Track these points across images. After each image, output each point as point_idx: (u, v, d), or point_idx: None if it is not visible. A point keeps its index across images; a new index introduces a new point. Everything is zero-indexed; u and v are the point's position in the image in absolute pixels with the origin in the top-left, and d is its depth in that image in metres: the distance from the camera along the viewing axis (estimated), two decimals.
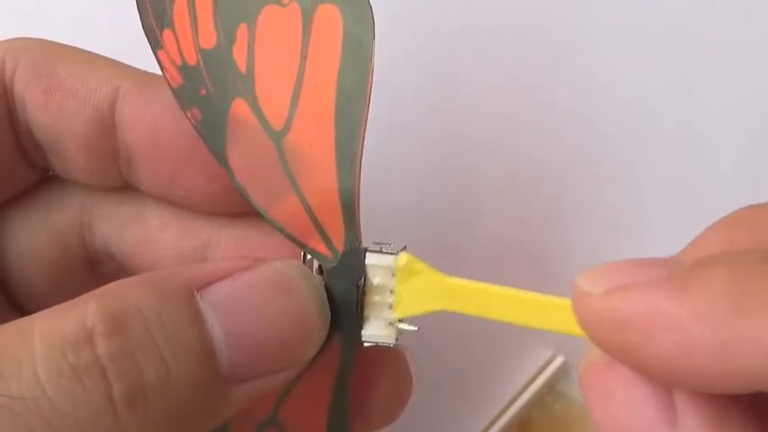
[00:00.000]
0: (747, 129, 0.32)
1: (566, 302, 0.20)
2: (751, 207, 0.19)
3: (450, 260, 0.29)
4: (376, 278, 0.23)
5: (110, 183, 0.25)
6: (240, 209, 0.25)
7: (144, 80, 0.24)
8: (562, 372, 0.33)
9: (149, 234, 0.26)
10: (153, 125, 0.24)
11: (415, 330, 0.24)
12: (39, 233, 0.25)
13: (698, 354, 0.16)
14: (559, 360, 0.33)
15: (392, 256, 0.23)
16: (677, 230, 0.31)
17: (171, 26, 0.23)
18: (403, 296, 0.23)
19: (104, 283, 0.26)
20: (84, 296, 0.20)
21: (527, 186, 0.33)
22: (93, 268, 0.26)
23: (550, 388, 0.33)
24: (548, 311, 0.21)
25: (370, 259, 0.23)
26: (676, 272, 0.17)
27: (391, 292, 0.23)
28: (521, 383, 0.33)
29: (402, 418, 0.30)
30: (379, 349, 0.25)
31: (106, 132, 0.24)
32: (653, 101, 0.32)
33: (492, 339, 0.33)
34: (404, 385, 0.26)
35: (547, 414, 0.33)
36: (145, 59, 0.24)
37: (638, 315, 0.17)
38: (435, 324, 0.25)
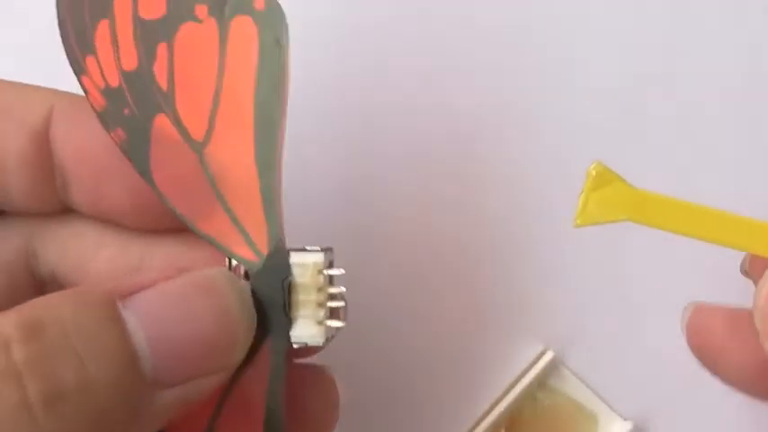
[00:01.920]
0: (740, 118, 0.33)
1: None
2: None
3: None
4: (302, 277, 0.24)
5: (50, 207, 0.26)
6: (167, 225, 0.25)
7: (76, 100, 0.25)
8: (553, 366, 0.33)
9: (87, 253, 0.26)
10: (80, 143, 0.25)
11: (341, 327, 0.24)
12: None
13: None
14: (550, 355, 0.33)
15: (317, 254, 0.24)
16: None
17: (93, 52, 0.24)
18: (588, 204, 0.23)
19: None
20: (5, 311, 0.20)
21: (510, 179, 0.34)
22: (41, 292, 0.26)
23: (541, 383, 0.33)
24: (745, 231, 0.23)
25: (295, 258, 0.24)
26: None
27: (319, 290, 0.24)
28: (511, 378, 0.33)
29: (391, 413, 0.30)
30: (305, 370, 0.26)
31: (43, 152, 0.25)
32: (642, 90, 0.33)
33: (482, 334, 0.33)
34: (330, 410, 0.26)
35: (537, 409, 0.33)
36: None
37: None
38: (424, 318, 0.26)
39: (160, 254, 0.26)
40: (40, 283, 0.26)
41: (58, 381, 0.19)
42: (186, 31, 0.24)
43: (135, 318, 0.21)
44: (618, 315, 0.33)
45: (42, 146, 0.25)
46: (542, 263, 0.33)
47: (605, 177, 0.23)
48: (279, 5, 0.24)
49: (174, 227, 0.25)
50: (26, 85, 0.26)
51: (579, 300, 0.33)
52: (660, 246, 0.32)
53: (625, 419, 0.32)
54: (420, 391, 0.29)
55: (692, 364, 0.28)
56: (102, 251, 0.26)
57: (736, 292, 0.27)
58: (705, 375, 0.29)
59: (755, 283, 0.23)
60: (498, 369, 0.33)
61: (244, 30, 0.24)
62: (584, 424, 0.33)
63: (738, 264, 0.28)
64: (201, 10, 0.24)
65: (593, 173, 0.23)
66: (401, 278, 0.33)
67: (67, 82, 0.25)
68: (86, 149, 0.25)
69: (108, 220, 0.26)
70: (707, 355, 0.29)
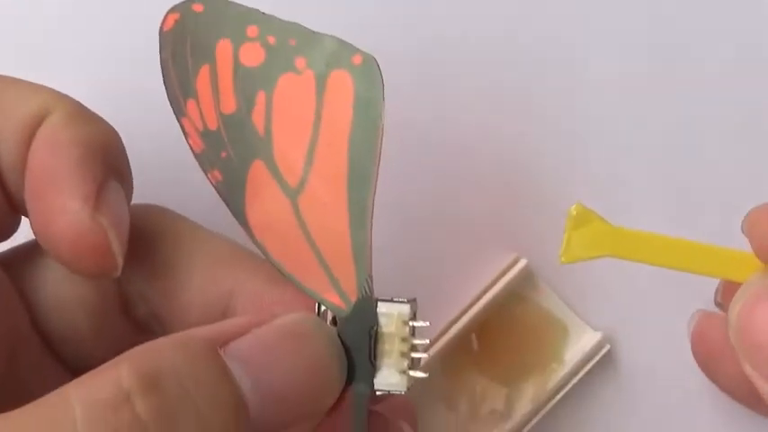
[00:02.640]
0: (733, 112, 0.33)
1: (738, 252, 0.24)
2: None
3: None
4: (388, 327, 0.24)
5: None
6: (105, 276, 0.25)
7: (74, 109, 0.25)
8: (525, 275, 0.33)
9: (178, 281, 0.26)
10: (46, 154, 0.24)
11: (424, 377, 0.24)
12: (79, 279, 0.26)
13: None
14: (522, 263, 0.32)
15: (403, 305, 0.24)
16: (665, 217, 0.33)
17: (194, 96, 0.25)
18: (571, 243, 0.25)
19: (140, 328, 0.27)
20: (114, 360, 0.20)
21: (511, 184, 0.34)
22: (127, 310, 0.27)
23: (513, 291, 0.33)
24: (717, 260, 0.25)
25: (382, 308, 0.24)
26: None
27: (403, 340, 0.24)
28: (483, 285, 0.33)
29: None
30: (376, 417, 0.26)
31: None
32: (636, 87, 0.34)
33: (452, 242, 0.33)
34: None
35: (508, 317, 0.33)
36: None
37: None
38: (395, 228, 0.26)
39: (250, 289, 0.26)
40: (127, 298, 0.27)
41: None
42: (285, 81, 0.25)
43: (238, 365, 0.21)
44: None
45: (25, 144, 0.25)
46: (542, 263, 0.33)
47: (585, 217, 0.25)
48: (375, 61, 0.24)
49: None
50: (25, 82, 0.25)
51: (554, 211, 0.33)
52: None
53: (595, 330, 0.32)
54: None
55: (661, 277, 0.28)
56: (193, 279, 0.26)
57: None
58: (672, 289, 0.31)
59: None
60: (468, 277, 0.33)
61: (341, 83, 0.24)
62: (554, 333, 0.33)
63: None
64: (301, 62, 0.25)
65: (574, 213, 0.25)
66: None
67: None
68: (48, 164, 0.24)
69: (52, 256, 0.25)
70: (705, 363, 0.30)
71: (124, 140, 0.26)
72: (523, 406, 0.32)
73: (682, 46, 0.34)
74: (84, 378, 0.20)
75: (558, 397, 0.32)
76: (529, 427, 0.32)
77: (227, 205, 0.25)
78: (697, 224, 0.33)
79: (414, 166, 0.33)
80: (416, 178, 0.33)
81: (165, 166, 0.32)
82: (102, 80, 0.33)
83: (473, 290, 0.33)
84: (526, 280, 0.33)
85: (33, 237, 0.25)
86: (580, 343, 0.32)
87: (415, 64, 0.33)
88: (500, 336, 0.33)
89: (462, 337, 0.32)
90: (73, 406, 0.19)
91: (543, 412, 0.32)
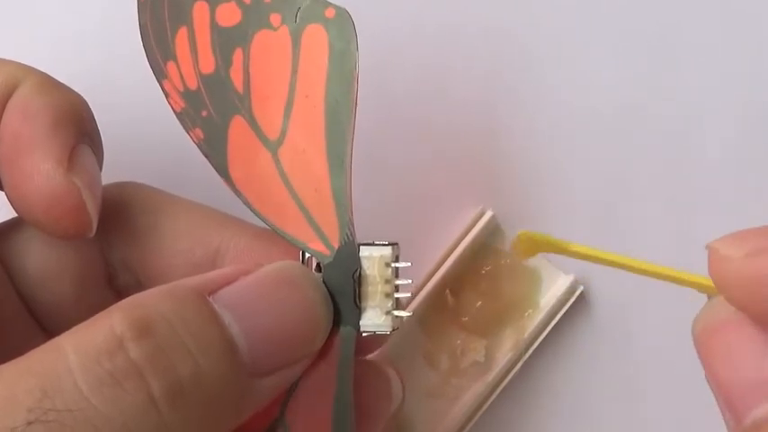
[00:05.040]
0: (734, 113, 0.34)
1: (688, 274, 0.22)
2: None
3: None
4: (370, 269, 0.25)
5: None
6: (80, 237, 0.26)
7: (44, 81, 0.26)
8: (492, 226, 0.33)
9: (163, 244, 0.27)
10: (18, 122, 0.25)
11: (408, 316, 0.25)
12: (63, 246, 0.27)
13: None
14: (489, 215, 0.33)
15: (385, 247, 0.25)
16: (665, 214, 0.33)
17: (173, 57, 0.26)
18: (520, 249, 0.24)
19: (122, 296, 0.27)
20: (106, 310, 0.21)
21: (513, 181, 0.34)
22: (110, 280, 0.28)
23: (481, 244, 0.33)
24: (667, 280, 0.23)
25: (364, 252, 0.25)
26: None
27: (386, 281, 0.25)
28: (449, 241, 0.33)
29: None
30: (365, 366, 0.27)
31: None
32: (638, 88, 0.34)
33: (417, 200, 0.34)
34: (387, 402, 0.28)
35: (480, 270, 0.33)
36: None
37: None
38: (360, 185, 0.27)
39: (235, 246, 0.27)
40: (110, 267, 0.27)
41: (177, 376, 0.20)
42: (261, 37, 0.26)
43: (228, 312, 0.22)
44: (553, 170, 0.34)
45: None
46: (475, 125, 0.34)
47: (534, 240, 0.24)
48: (347, 13, 0.25)
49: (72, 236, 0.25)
50: None
51: (518, 160, 0.34)
52: (659, 237, 0.34)
53: (567, 273, 0.33)
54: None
55: (627, 216, 0.29)
56: (179, 242, 0.27)
57: None
58: (639, 228, 0.31)
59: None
60: (436, 233, 0.33)
61: (315, 36, 0.25)
62: (527, 281, 0.33)
63: None
64: (276, 18, 0.26)
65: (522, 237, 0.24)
66: None
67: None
68: (20, 131, 0.25)
69: (28, 220, 0.26)
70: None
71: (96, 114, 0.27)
72: (503, 355, 0.33)
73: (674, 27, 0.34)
74: (77, 328, 0.21)
75: (537, 343, 0.33)
76: (511, 374, 0.33)
77: (210, 162, 0.26)
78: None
79: (372, 119, 0.33)
80: (376, 131, 0.34)
81: (143, 143, 0.33)
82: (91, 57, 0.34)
83: (442, 244, 0.33)
84: (494, 231, 0.34)
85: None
86: (554, 287, 0.33)
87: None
88: (474, 289, 0.33)
89: (437, 294, 0.33)
90: (67, 354, 0.20)
91: (524, 359, 0.33)
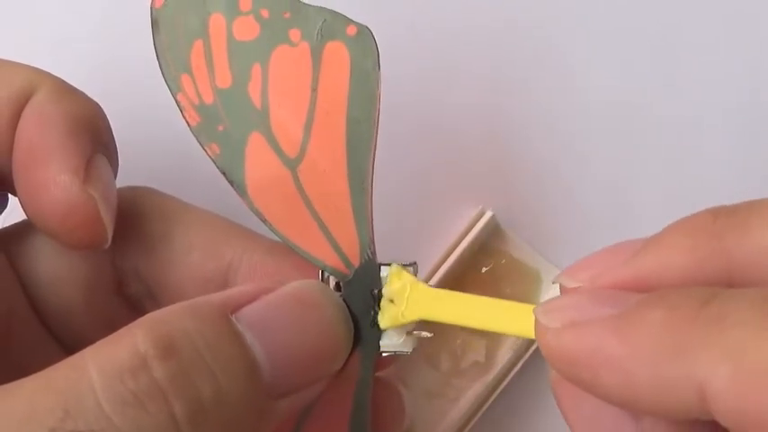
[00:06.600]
0: (734, 113, 0.34)
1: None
2: (715, 211, 0.21)
3: None
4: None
5: None
6: (97, 247, 0.25)
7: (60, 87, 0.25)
8: (492, 227, 0.33)
9: (175, 256, 0.27)
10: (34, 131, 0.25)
11: (429, 336, 0.25)
12: (75, 253, 0.26)
13: (638, 389, 0.18)
14: (488, 215, 0.33)
15: (406, 267, 0.25)
16: (664, 214, 0.34)
17: (188, 71, 0.25)
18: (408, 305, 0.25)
19: (132, 304, 0.27)
20: (128, 327, 0.21)
21: (512, 181, 0.34)
22: (120, 288, 0.27)
23: (481, 244, 0.33)
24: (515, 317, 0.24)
25: (385, 271, 0.25)
26: (623, 310, 0.19)
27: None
28: (450, 242, 0.33)
29: None
30: (378, 384, 0.27)
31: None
32: (637, 87, 0.35)
33: (417, 200, 0.34)
34: (399, 419, 0.28)
35: (480, 270, 0.33)
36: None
37: (586, 353, 0.19)
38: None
39: (248, 261, 0.27)
40: (121, 276, 0.27)
41: (199, 396, 0.20)
42: (280, 53, 0.25)
43: (250, 331, 0.22)
44: (552, 170, 0.34)
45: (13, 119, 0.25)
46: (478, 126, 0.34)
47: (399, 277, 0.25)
48: (369, 31, 0.25)
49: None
50: (7, 61, 0.26)
51: (517, 160, 0.34)
52: None
53: None
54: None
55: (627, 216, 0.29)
56: (191, 255, 0.27)
57: None
58: (639, 228, 0.31)
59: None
60: (437, 235, 0.34)
61: (336, 54, 0.25)
62: (528, 281, 0.34)
63: None
64: (295, 34, 0.25)
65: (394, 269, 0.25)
66: None
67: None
68: (36, 140, 0.24)
69: (42, 230, 0.25)
70: None
71: (111, 121, 0.26)
72: (504, 355, 0.33)
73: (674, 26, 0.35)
74: (100, 345, 0.20)
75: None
76: (511, 374, 0.33)
77: (226, 178, 0.25)
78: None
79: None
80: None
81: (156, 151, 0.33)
82: (92, 58, 0.33)
83: (442, 244, 0.33)
84: (494, 231, 0.34)
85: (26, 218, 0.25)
86: (554, 287, 0.33)
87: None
88: (474, 289, 0.33)
89: None
90: (90, 372, 0.19)
91: (524, 359, 0.33)
